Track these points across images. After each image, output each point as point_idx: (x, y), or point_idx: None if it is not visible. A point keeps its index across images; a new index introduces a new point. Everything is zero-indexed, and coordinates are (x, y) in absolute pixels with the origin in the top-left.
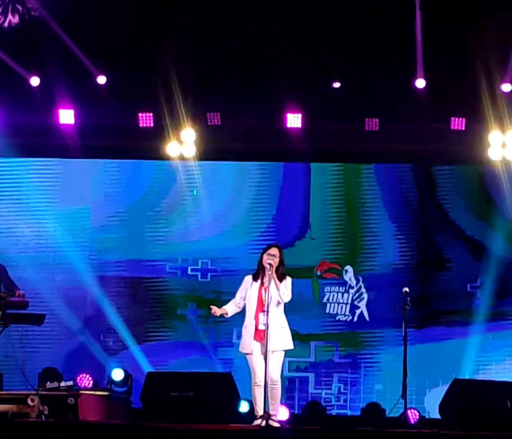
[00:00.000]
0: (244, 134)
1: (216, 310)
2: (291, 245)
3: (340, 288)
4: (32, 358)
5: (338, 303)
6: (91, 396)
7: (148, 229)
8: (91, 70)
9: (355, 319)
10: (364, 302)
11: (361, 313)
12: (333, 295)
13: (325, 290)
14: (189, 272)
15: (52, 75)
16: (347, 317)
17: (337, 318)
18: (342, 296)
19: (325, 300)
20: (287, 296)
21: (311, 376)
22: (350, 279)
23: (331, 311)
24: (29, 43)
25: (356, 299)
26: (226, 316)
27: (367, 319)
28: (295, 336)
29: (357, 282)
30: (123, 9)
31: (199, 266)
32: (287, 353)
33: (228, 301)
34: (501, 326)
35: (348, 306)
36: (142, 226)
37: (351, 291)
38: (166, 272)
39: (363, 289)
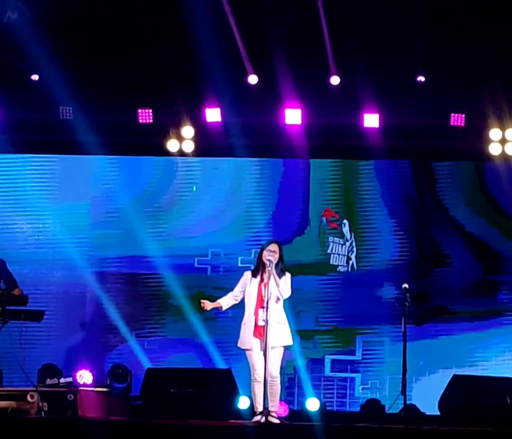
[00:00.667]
0: (244, 130)
1: (207, 304)
2: (290, 241)
3: (340, 240)
4: (32, 354)
5: (339, 255)
6: (91, 392)
7: (148, 225)
8: (90, 66)
9: (349, 269)
10: (354, 254)
11: (352, 263)
12: (336, 246)
13: (329, 240)
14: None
15: (52, 71)
16: (345, 268)
17: (338, 270)
18: (341, 247)
19: (329, 250)
20: (286, 293)
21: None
22: (347, 232)
23: (334, 262)
24: (27, 40)
25: (350, 251)
26: (220, 310)
27: (356, 268)
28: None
29: (351, 236)
30: (123, 4)
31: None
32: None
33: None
34: (501, 322)
35: (345, 257)
36: (141, 222)
37: (347, 243)
38: (167, 267)
39: (354, 243)
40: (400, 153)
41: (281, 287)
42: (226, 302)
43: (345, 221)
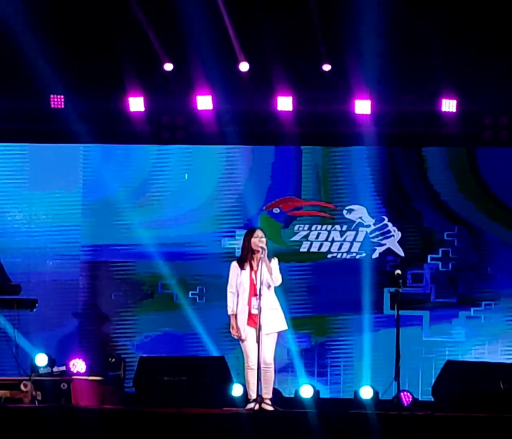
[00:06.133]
0: (235, 118)
1: (236, 331)
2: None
3: (336, 226)
4: (25, 343)
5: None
6: (84, 381)
7: (139, 214)
8: (82, 54)
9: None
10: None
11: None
12: (323, 233)
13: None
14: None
15: (43, 60)
16: (337, 255)
17: (327, 257)
18: (339, 234)
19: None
20: (279, 279)
21: None
22: (351, 218)
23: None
24: (17, 29)
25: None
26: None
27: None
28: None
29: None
30: None
31: (188, 249)
32: None
33: (217, 283)
34: (492, 308)
35: (341, 244)
36: (133, 210)
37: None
38: (158, 256)
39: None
40: (392, 139)
41: (274, 274)
42: (235, 306)
43: (352, 207)
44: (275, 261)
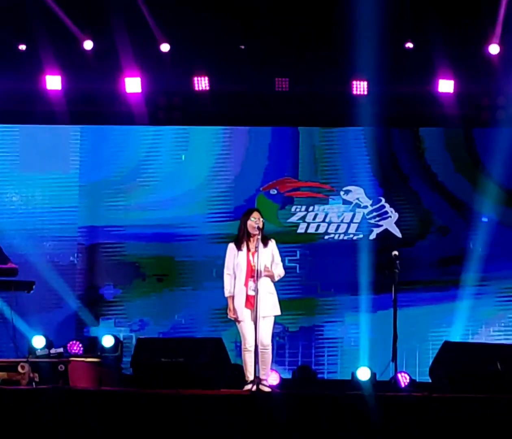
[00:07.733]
0: (232, 99)
1: (233, 312)
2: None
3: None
4: (22, 325)
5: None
6: (81, 362)
7: (136, 195)
8: (78, 36)
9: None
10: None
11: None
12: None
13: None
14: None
15: (39, 41)
16: (335, 235)
17: (323, 238)
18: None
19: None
20: (282, 272)
21: None
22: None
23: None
24: (15, 9)
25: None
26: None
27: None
28: None
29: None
30: None
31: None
32: None
33: (215, 265)
34: (489, 289)
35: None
36: (130, 192)
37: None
38: (155, 237)
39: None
40: (389, 120)
41: (277, 271)
42: (232, 288)
43: (349, 188)
44: (272, 243)
